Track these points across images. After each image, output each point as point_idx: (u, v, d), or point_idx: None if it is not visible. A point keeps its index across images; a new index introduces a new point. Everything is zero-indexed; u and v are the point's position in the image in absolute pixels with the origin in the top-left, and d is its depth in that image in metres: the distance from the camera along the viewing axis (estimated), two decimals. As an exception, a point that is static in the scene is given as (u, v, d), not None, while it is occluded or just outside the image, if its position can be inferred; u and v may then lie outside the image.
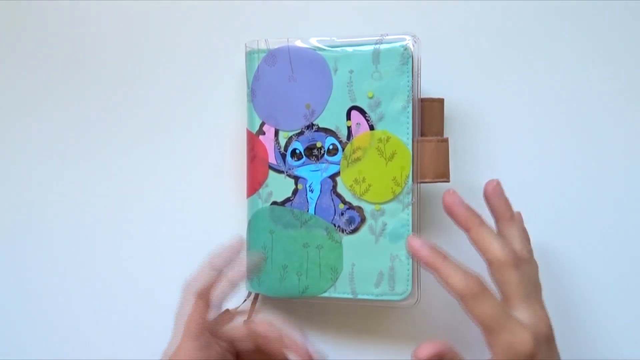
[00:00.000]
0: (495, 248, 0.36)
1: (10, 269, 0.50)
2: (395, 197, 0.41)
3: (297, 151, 0.42)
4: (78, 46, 0.49)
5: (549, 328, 0.36)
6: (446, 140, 0.41)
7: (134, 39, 0.49)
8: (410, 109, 0.40)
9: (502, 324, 0.34)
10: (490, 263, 0.36)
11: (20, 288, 0.50)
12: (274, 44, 0.42)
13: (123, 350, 0.49)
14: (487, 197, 0.39)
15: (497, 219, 0.39)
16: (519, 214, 0.41)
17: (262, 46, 0.43)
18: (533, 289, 0.37)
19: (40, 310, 0.50)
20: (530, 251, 0.39)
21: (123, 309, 0.49)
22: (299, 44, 0.42)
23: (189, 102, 0.48)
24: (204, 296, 0.38)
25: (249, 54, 0.43)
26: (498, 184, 0.39)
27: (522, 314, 0.35)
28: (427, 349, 0.35)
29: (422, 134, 0.41)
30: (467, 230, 0.37)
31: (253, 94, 0.43)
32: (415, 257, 0.38)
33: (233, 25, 0.47)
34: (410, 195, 0.41)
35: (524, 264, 0.37)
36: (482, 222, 0.37)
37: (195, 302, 0.38)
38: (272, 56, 0.42)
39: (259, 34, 0.44)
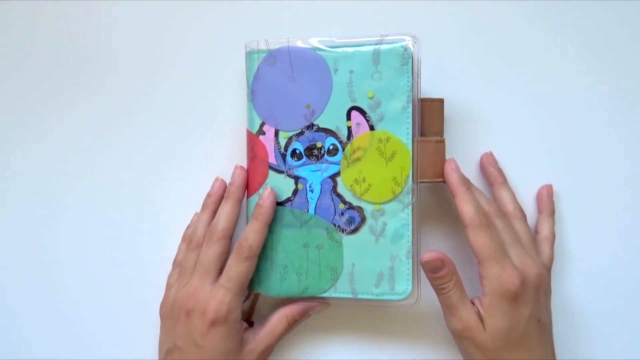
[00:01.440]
0: (468, 209, 0.39)
1: (12, 266, 0.50)
2: (395, 197, 0.41)
3: (297, 151, 0.42)
4: (77, 46, 0.49)
5: (538, 276, 0.39)
6: (443, 141, 0.41)
7: (133, 40, 0.49)
8: (410, 110, 0.40)
9: (497, 257, 0.38)
10: (465, 225, 0.39)
11: (19, 286, 0.50)
12: (274, 44, 0.42)
13: (121, 350, 0.49)
14: (482, 167, 0.44)
15: (491, 184, 0.44)
16: (550, 187, 0.45)
17: (262, 46, 0.43)
18: (525, 242, 0.41)
19: (40, 308, 0.50)
20: (522, 210, 0.43)
21: (121, 309, 0.49)
22: (299, 44, 0.42)
23: (189, 102, 0.48)
24: (255, 258, 0.41)
25: (249, 54, 0.43)
26: (491, 154, 0.44)
27: (513, 257, 0.39)
28: (432, 254, 0.39)
29: (422, 134, 0.41)
30: (454, 196, 0.40)
31: (253, 94, 0.43)
32: (445, 177, 0.41)
33: (233, 25, 0.47)
34: (411, 195, 0.41)
35: (514, 220, 0.42)
36: (467, 190, 0.40)
37: (248, 263, 0.41)
38: (272, 56, 0.42)
39: (259, 34, 0.44)
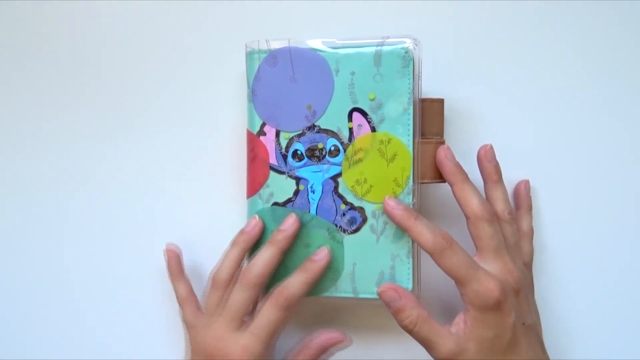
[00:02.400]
0: (473, 203, 0.39)
1: (15, 266, 0.50)
2: (396, 198, 0.41)
3: (299, 152, 0.42)
4: (76, 47, 0.49)
5: (517, 281, 0.38)
6: (443, 142, 0.42)
7: (133, 40, 0.48)
8: (411, 111, 0.41)
9: (471, 275, 0.37)
10: (467, 217, 0.39)
11: (22, 287, 0.50)
12: (275, 45, 0.42)
13: (117, 350, 0.49)
14: (478, 160, 0.43)
15: (485, 181, 0.43)
16: (527, 183, 0.45)
17: (263, 46, 0.42)
18: (508, 245, 0.40)
19: (42, 308, 0.49)
20: (511, 213, 0.42)
21: (120, 308, 0.49)
22: (300, 44, 0.42)
23: (189, 103, 0.48)
24: (292, 309, 0.40)
25: (249, 54, 0.43)
26: (490, 148, 0.42)
27: (490, 266, 0.38)
28: (385, 284, 0.39)
29: (422, 134, 0.42)
30: (451, 184, 0.40)
31: (254, 94, 0.43)
32: (390, 217, 0.40)
33: (233, 25, 0.47)
34: (411, 196, 0.41)
35: (502, 223, 0.41)
36: (465, 179, 0.40)
37: (284, 313, 0.40)
38: (273, 57, 0.42)
39: (259, 34, 0.44)
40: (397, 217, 0.39)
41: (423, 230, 0.38)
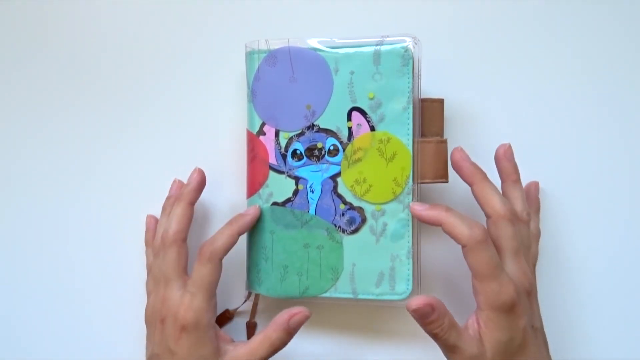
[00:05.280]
0: (495, 202, 0.38)
1: (15, 264, 0.50)
2: (395, 198, 0.41)
3: (298, 152, 0.42)
4: (77, 47, 0.49)
5: (530, 284, 0.38)
6: (445, 142, 0.41)
7: (133, 40, 0.49)
8: (410, 110, 0.41)
9: (495, 274, 0.36)
10: (489, 216, 0.39)
11: (19, 285, 0.50)
12: (275, 45, 0.42)
13: (118, 350, 0.48)
14: (497, 159, 0.42)
15: (503, 180, 0.42)
16: (537, 184, 0.45)
17: (263, 46, 0.43)
18: (523, 247, 0.39)
19: (43, 308, 0.49)
20: (529, 214, 0.41)
21: (122, 308, 0.48)
22: (299, 44, 0.42)
23: (189, 103, 0.48)
24: (219, 261, 0.40)
25: (249, 54, 0.43)
26: (509, 147, 0.42)
27: (508, 266, 0.38)
28: (419, 300, 0.36)
29: (422, 134, 0.42)
30: (471, 184, 0.40)
31: (253, 94, 0.43)
32: (420, 219, 0.39)
33: (233, 25, 0.47)
34: (411, 196, 0.41)
35: (521, 223, 0.40)
36: (485, 178, 0.40)
37: (212, 266, 0.40)
38: (273, 57, 0.42)
39: (259, 34, 0.44)
40: (428, 217, 0.38)
41: (456, 222, 0.37)
